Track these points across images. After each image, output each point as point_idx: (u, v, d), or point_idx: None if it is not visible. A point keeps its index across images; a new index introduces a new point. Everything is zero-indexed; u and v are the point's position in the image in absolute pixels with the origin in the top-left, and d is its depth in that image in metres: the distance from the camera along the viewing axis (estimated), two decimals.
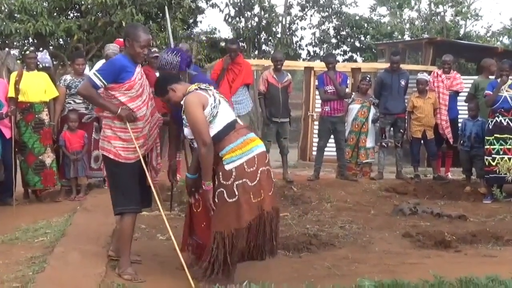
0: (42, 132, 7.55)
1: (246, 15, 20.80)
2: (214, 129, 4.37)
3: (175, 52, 4.93)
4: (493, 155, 8.01)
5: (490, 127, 8.10)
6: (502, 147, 7.98)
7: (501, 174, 7.94)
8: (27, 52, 7.79)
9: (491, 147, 8.05)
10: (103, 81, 4.62)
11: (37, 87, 7.51)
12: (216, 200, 4.36)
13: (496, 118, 8.03)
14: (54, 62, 13.88)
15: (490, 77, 9.06)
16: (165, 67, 4.89)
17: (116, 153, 4.72)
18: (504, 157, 7.94)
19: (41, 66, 8.01)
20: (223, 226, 4.32)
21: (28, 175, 7.54)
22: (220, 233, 4.32)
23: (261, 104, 8.91)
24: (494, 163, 7.99)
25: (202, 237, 4.71)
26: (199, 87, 4.51)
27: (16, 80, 7.41)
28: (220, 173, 4.33)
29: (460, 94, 9.38)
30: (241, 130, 4.49)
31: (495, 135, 8.04)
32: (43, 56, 8.34)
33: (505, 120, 7.99)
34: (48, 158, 7.57)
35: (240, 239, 4.32)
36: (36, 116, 7.52)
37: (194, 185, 4.69)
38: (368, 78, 9.63)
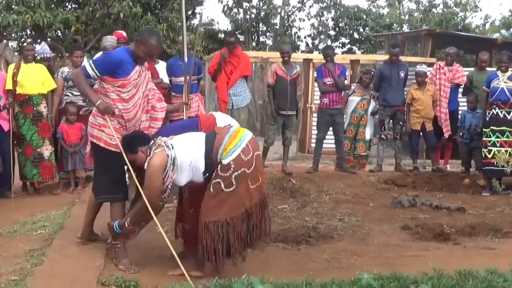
0: (41, 124, 7.52)
1: (244, 6, 20.75)
2: (199, 157, 4.39)
3: None
4: (489, 147, 7.99)
5: (487, 119, 8.09)
6: (499, 139, 7.95)
7: (499, 166, 7.92)
8: (25, 44, 7.71)
9: (487, 139, 8.03)
10: (95, 71, 4.62)
11: (35, 79, 7.48)
12: (211, 190, 4.38)
13: (493, 110, 8.01)
14: (53, 54, 13.84)
15: (489, 69, 9.05)
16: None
17: (107, 141, 4.75)
18: (501, 150, 7.92)
19: (39, 57, 7.98)
20: (219, 215, 4.36)
21: (26, 168, 7.52)
22: (214, 222, 4.36)
23: (270, 97, 8.90)
24: (490, 156, 7.98)
25: (190, 223, 4.78)
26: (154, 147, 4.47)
27: (14, 72, 7.38)
28: (219, 167, 4.37)
29: (461, 86, 9.35)
30: (222, 130, 4.55)
31: (491, 127, 8.01)
32: (43, 47, 8.29)
33: (501, 112, 7.97)
34: (46, 150, 7.55)
35: (237, 226, 4.38)
36: (35, 108, 7.49)
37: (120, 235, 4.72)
38: (372, 72, 9.59)
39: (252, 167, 4.39)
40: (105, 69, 4.62)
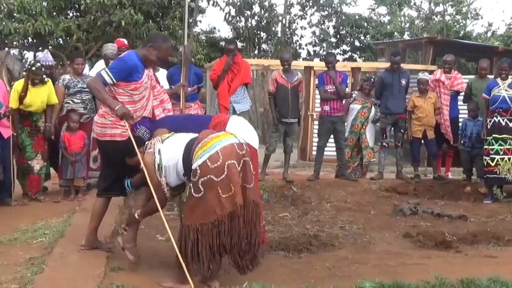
0: (36, 138, 7.53)
1: (245, 14, 20.79)
2: (178, 159, 4.47)
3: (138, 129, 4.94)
4: (491, 155, 7.97)
5: (489, 127, 8.07)
6: (502, 147, 7.94)
7: (501, 175, 7.91)
8: (33, 68, 7.34)
9: (490, 147, 8.01)
10: (113, 78, 4.77)
11: (40, 100, 7.44)
12: (187, 194, 4.48)
13: (495, 118, 7.99)
14: (54, 62, 13.86)
15: (489, 76, 9.06)
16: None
17: (121, 134, 4.88)
18: (504, 158, 7.90)
19: (40, 65, 7.95)
20: (190, 220, 4.36)
21: (18, 174, 7.51)
22: (187, 227, 4.37)
23: (271, 105, 8.91)
24: (493, 164, 7.95)
25: None
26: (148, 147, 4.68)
27: (21, 95, 7.29)
28: (191, 171, 4.38)
29: (460, 93, 9.35)
30: (204, 134, 4.50)
31: (493, 135, 8.00)
32: (46, 55, 8.27)
33: (503, 120, 7.96)
34: (37, 164, 7.54)
35: (206, 234, 4.29)
36: (33, 123, 7.54)
37: None
38: (372, 80, 9.59)
39: (223, 176, 4.26)
40: (121, 75, 4.79)
